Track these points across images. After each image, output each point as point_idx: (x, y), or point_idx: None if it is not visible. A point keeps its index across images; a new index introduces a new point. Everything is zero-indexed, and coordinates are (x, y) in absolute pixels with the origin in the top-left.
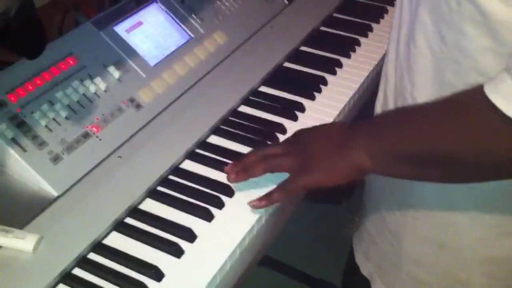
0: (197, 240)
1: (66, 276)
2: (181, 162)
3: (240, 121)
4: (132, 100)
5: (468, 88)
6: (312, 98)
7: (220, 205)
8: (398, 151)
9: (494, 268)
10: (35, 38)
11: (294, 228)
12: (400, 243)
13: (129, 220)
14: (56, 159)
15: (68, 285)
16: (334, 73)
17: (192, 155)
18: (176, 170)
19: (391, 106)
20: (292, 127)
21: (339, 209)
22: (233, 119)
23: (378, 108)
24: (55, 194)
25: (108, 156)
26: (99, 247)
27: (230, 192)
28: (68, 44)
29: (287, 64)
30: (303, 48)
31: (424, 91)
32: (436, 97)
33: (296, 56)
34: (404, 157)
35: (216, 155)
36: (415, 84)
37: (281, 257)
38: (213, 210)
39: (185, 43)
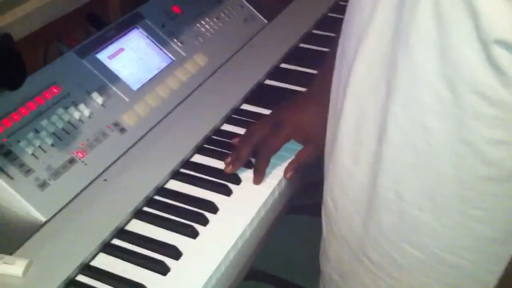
0: (182, 257)
1: None
2: (166, 182)
3: (224, 140)
4: (116, 124)
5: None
6: None
7: (204, 222)
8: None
9: None
10: (15, 70)
11: (292, 242)
12: None
13: (116, 241)
14: (43, 185)
15: None
16: None
17: (176, 175)
18: (161, 190)
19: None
20: None
21: None
22: (216, 137)
23: None
24: (43, 219)
25: (94, 179)
26: (87, 269)
27: (214, 209)
28: (51, 74)
29: (268, 82)
30: (284, 65)
31: None
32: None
33: (276, 73)
34: None
35: (201, 173)
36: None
37: (280, 272)
38: (198, 227)
39: (166, 66)
